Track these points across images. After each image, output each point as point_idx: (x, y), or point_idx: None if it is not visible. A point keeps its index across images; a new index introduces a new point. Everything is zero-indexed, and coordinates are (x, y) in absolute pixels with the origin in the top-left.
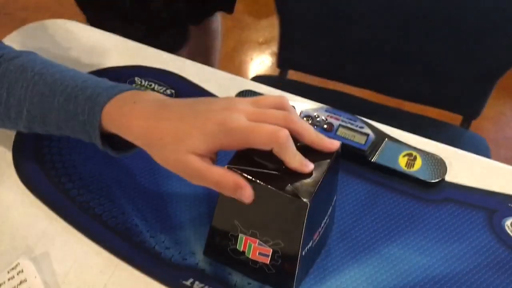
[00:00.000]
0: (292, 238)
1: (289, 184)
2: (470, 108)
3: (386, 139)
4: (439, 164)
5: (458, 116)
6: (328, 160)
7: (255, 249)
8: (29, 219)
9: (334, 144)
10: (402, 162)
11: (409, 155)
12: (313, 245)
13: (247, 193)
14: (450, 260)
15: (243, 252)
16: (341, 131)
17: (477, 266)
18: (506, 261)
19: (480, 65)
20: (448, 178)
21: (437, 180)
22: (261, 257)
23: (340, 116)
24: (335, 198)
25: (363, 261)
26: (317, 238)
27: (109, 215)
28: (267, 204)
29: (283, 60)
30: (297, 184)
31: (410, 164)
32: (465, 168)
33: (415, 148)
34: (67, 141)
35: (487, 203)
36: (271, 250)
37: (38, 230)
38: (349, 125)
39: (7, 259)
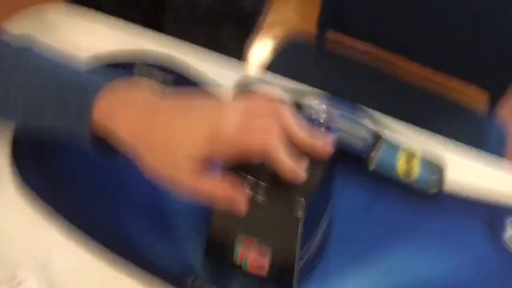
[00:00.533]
0: (287, 250)
1: (282, 195)
2: (497, 83)
3: (385, 144)
4: (438, 173)
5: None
6: (322, 168)
7: (252, 261)
8: (29, 221)
9: (326, 146)
10: (400, 170)
11: (408, 162)
12: (310, 256)
13: (241, 206)
14: (448, 271)
15: (240, 265)
16: (340, 136)
17: (476, 277)
18: (505, 273)
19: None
20: (447, 187)
21: (435, 191)
22: (258, 269)
23: (339, 117)
24: (332, 207)
25: (361, 271)
26: (314, 249)
27: (109, 219)
28: (260, 216)
29: (325, 17)
30: (290, 195)
31: (408, 172)
32: (464, 177)
33: (414, 156)
34: (67, 141)
35: (486, 214)
36: (268, 264)
37: (37, 233)
38: (347, 130)
39: (6, 261)
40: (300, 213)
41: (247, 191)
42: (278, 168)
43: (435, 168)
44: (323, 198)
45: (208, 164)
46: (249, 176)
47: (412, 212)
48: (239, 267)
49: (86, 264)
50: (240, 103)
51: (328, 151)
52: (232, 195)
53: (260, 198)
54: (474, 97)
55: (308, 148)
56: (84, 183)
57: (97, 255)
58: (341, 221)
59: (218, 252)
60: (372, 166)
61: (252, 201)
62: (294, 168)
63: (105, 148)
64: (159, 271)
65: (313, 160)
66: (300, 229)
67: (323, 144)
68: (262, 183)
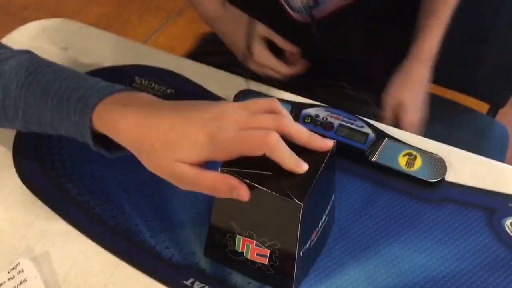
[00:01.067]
0: (288, 239)
1: (283, 185)
2: (498, 96)
3: (386, 138)
4: (439, 164)
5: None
6: (323, 159)
7: (253, 250)
8: (29, 219)
9: (327, 144)
10: (402, 161)
11: (409, 154)
12: (311, 245)
13: (243, 192)
14: (450, 260)
15: (242, 253)
16: (341, 131)
17: (477, 266)
18: (506, 261)
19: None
20: (448, 177)
21: (437, 180)
22: (260, 257)
23: (340, 115)
24: (333, 197)
25: (363, 260)
26: (316, 238)
27: (109, 215)
28: (261, 205)
29: None
30: (291, 184)
31: (410, 163)
32: (465, 168)
33: (415, 148)
34: (67, 141)
35: (487, 203)
36: (269, 251)
37: (38, 230)
38: (349, 125)
39: (7, 259)
40: (301, 201)
41: (248, 180)
42: (281, 162)
43: (436, 159)
44: (324, 187)
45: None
46: (249, 165)
47: (413, 201)
48: (241, 254)
49: (88, 252)
50: (239, 103)
51: (328, 146)
52: (233, 183)
53: (261, 186)
54: (475, 106)
55: (307, 146)
56: (87, 171)
57: (100, 243)
58: (342, 211)
59: (220, 240)
60: (374, 157)
61: (253, 190)
62: (297, 161)
63: (107, 145)
64: (161, 259)
65: (314, 152)
66: (301, 216)
67: (323, 142)
68: (263, 172)
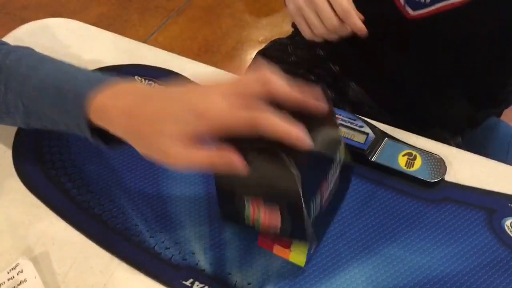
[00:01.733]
0: (294, 207)
1: (279, 153)
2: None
3: (386, 138)
4: (439, 164)
5: None
6: (318, 123)
7: (264, 222)
8: (29, 219)
9: (320, 104)
10: (401, 161)
11: (409, 154)
12: (322, 210)
13: (239, 166)
14: (449, 260)
15: (253, 226)
16: (341, 130)
17: (477, 266)
18: (506, 261)
19: None
20: (448, 177)
21: (436, 180)
22: (271, 229)
23: (340, 115)
24: (337, 168)
25: (362, 260)
26: (325, 203)
27: (109, 215)
28: (261, 176)
29: None
30: (286, 152)
31: (410, 163)
32: (465, 168)
33: (415, 148)
34: (67, 140)
35: (486, 203)
36: (280, 222)
37: (38, 230)
38: (349, 124)
39: (7, 259)
40: (295, 170)
41: (244, 152)
42: (274, 135)
43: (436, 159)
44: (323, 156)
45: (199, 139)
46: (243, 140)
47: (413, 201)
48: (252, 228)
49: (88, 252)
50: (228, 82)
51: (322, 108)
52: (229, 157)
53: (257, 159)
54: None
55: (301, 106)
56: (87, 171)
57: (100, 243)
58: (342, 211)
59: (231, 217)
60: (373, 157)
61: (250, 163)
62: (291, 129)
63: (106, 139)
64: (161, 259)
65: (308, 118)
66: (299, 184)
67: (317, 101)
68: (257, 145)
